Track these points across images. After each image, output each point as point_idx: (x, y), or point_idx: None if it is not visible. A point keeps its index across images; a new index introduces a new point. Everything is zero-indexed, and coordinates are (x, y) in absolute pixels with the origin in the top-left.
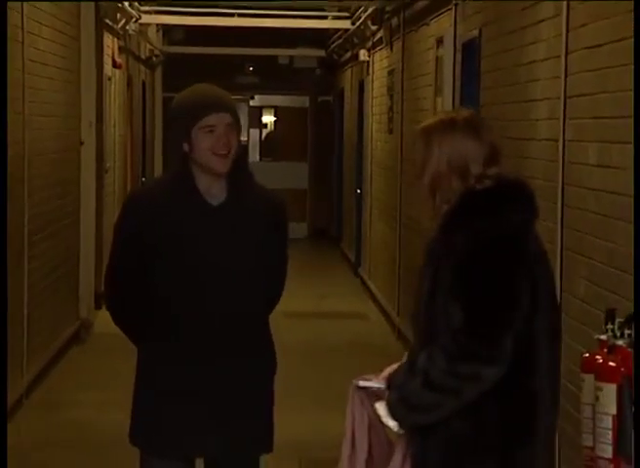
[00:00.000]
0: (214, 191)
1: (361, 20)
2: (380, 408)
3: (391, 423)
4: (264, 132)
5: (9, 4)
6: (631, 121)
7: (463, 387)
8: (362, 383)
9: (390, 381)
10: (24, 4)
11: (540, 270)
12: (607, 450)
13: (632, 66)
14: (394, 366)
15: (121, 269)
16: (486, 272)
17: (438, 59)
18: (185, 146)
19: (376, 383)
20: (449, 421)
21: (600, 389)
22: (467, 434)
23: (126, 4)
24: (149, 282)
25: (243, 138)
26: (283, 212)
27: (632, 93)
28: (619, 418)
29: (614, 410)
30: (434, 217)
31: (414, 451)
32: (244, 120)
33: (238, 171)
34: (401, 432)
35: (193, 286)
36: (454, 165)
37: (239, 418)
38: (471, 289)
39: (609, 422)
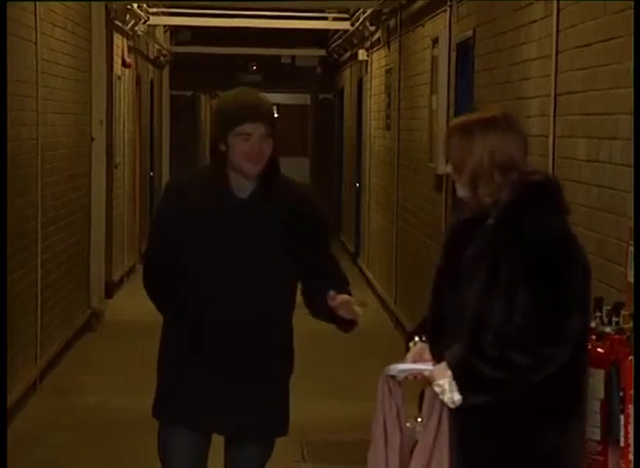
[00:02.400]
0: (245, 188)
1: (360, 22)
2: (446, 383)
3: (457, 397)
4: None
5: (23, 6)
6: (631, 118)
7: (541, 367)
8: (402, 367)
9: (448, 361)
10: (38, 5)
11: (587, 263)
12: (595, 433)
13: (632, 64)
14: (418, 349)
15: (159, 249)
16: (559, 264)
17: (434, 59)
18: (222, 146)
19: (418, 365)
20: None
21: (589, 374)
22: (528, 402)
23: (135, 6)
24: (179, 268)
25: None
26: (310, 201)
27: (633, 88)
28: (607, 402)
29: (602, 395)
30: (475, 210)
31: (464, 421)
32: None
33: (269, 172)
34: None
35: (219, 274)
36: (497, 160)
37: (255, 403)
38: (547, 277)
39: (597, 406)
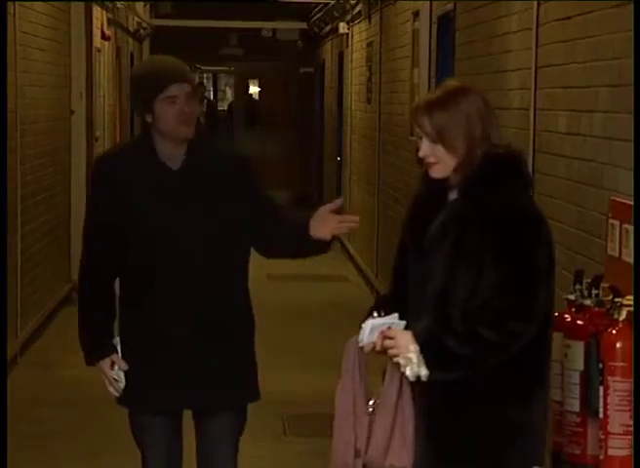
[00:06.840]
0: (175, 157)
1: None
2: (414, 356)
3: (424, 372)
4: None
5: None
6: (631, 90)
7: (512, 342)
8: (376, 322)
9: (415, 335)
10: None
11: (551, 241)
12: (574, 404)
13: (632, 60)
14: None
15: (97, 259)
16: (525, 239)
17: (415, 32)
18: (148, 117)
19: (387, 319)
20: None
21: (568, 346)
22: (491, 377)
23: None
24: (123, 251)
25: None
26: (245, 164)
27: (633, 60)
28: (585, 374)
29: (581, 367)
30: (439, 181)
31: (424, 399)
32: (230, 90)
33: (196, 136)
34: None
35: (161, 249)
36: (483, 131)
37: (222, 371)
38: (514, 253)
39: (576, 378)
